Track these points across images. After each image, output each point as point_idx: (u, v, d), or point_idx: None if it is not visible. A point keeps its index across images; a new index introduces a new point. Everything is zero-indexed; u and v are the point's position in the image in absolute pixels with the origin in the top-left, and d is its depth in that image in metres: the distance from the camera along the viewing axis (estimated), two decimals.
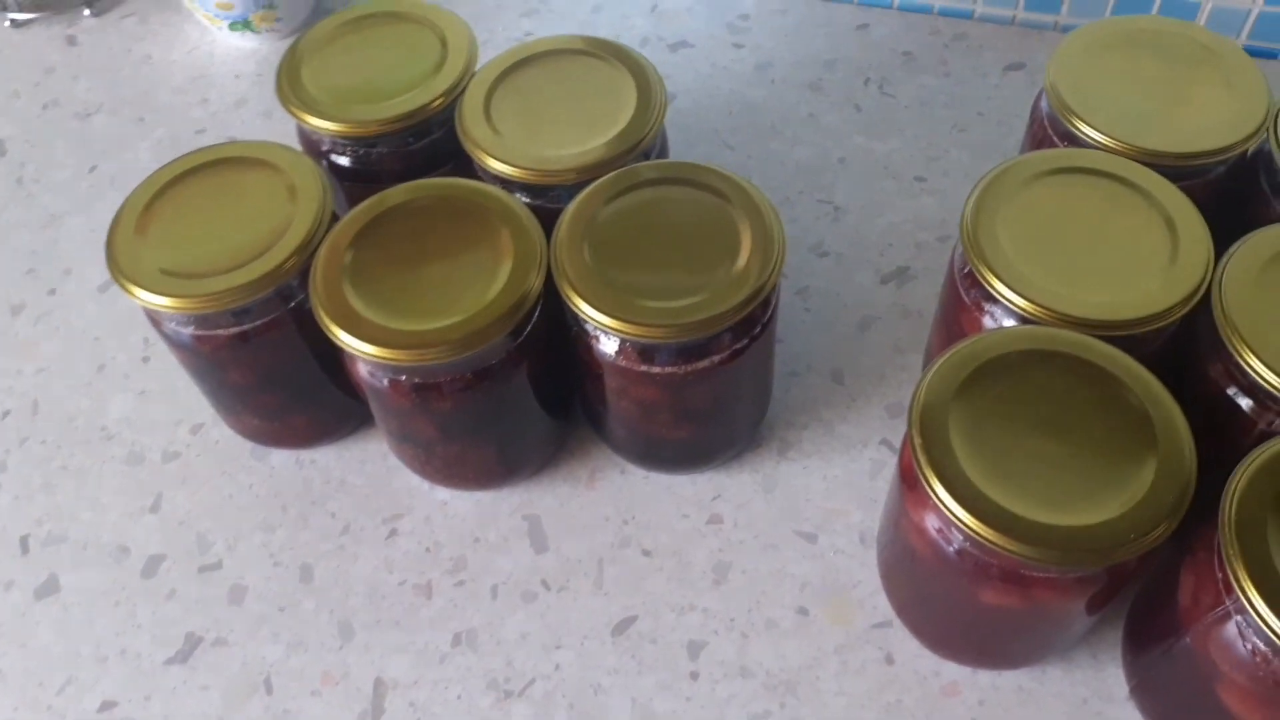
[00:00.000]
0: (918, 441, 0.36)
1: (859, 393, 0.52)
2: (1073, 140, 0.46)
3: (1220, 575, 0.34)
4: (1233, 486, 0.35)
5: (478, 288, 0.41)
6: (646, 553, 0.48)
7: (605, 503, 0.49)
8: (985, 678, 0.44)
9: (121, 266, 0.43)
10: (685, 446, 0.47)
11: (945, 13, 0.69)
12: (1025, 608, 0.37)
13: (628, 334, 0.40)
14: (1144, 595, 0.42)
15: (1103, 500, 0.35)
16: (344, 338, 0.40)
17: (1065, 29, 0.67)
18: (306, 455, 0.52)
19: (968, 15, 0.68)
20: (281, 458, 0.52)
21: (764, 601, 0.46)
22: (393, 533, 0.49)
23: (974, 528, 0.34)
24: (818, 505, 0.49)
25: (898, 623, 0.45)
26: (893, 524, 0.41)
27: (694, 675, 0.44)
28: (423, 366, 0.41)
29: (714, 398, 0.44)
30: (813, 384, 0.53)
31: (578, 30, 0.70)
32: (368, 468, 0.51)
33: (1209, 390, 0.40)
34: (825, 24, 0.69)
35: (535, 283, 0.41)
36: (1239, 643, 0.34)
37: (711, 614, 0.46)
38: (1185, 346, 0.41)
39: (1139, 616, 0.42)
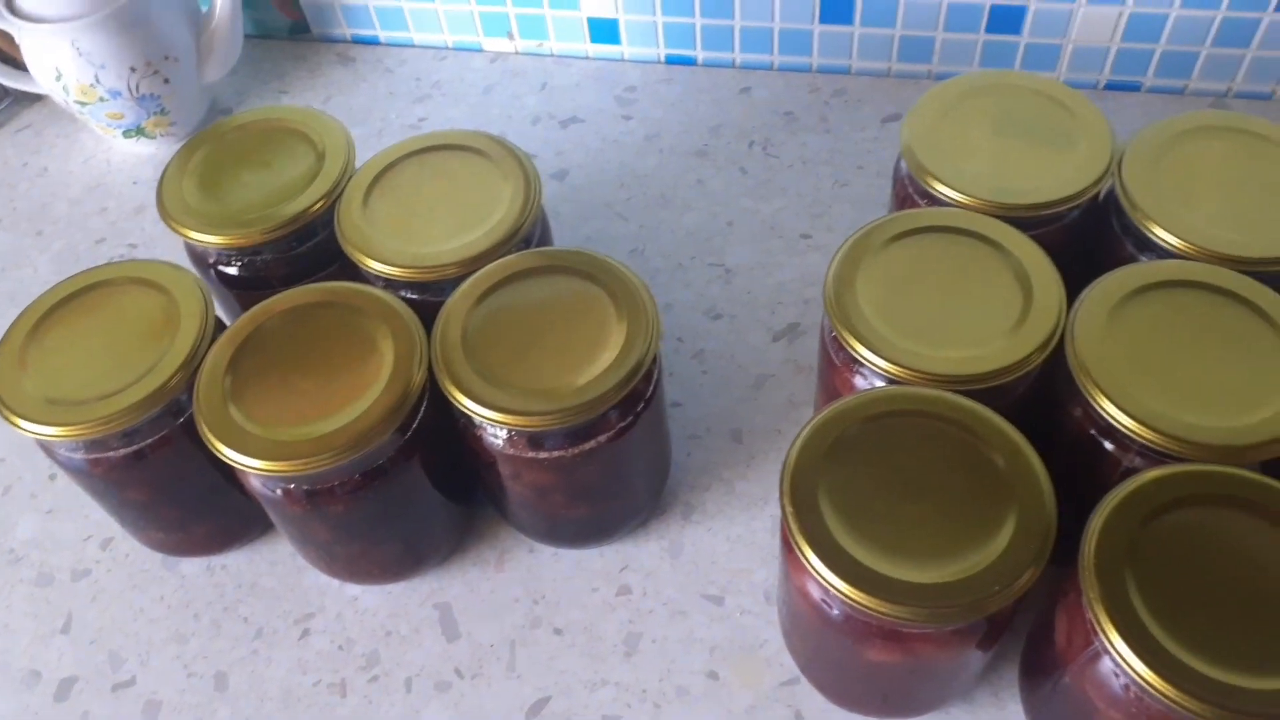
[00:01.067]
0: (789, 509, 0.37)
1: (757, 450, 0.53)
2: (930, 198, 0.48)
3: (1088, 617, 0.36)
4: (1090, 530, 0.36)
5: (360, 389, 0.42)
6: (558, 631, 0.48)
7: (515, 584, 0.50)
8: None
9: (5, 400, 0.43)
10: (586, 523, 0.48)
11: (824, 70, 0.71)
12: (911, 662, 0.38)
13: (510, 424, 0.41)
14: (1032, 635, 0.43)
15: (969, 553, 0.36)
16: (229, 454, 0.41)
17: (939, 77, 0.69)
18: (217, 561, 0.52)
19: (845, 70, 0.71)
20: (192, 566, 0.52)
21: (674, 669, 0.47)
22: (305, 633, 0.49)
23: (846, 592, 0.35)
24: (723, 567, 0.50)
25: (804, 680, 0.46)
26: (782, 586, 0.42)
27: None
28: (310, 475, 0.41)
29: (607, 475, 0.45)
30: (713, 445, 0.54)
31: (469, 112, 0.72)
32: (278, 569, 0.52)
33: (1072, 433, 0.41)
34: (709, 90, 0.71)
35: (416, 380, 0.42)
36: (1113, 680, 0.35)
37: (624, 687, 0.46)
38: (1048, 392, 0.43)
39: (1029, 656, 0.43)
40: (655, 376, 0.45)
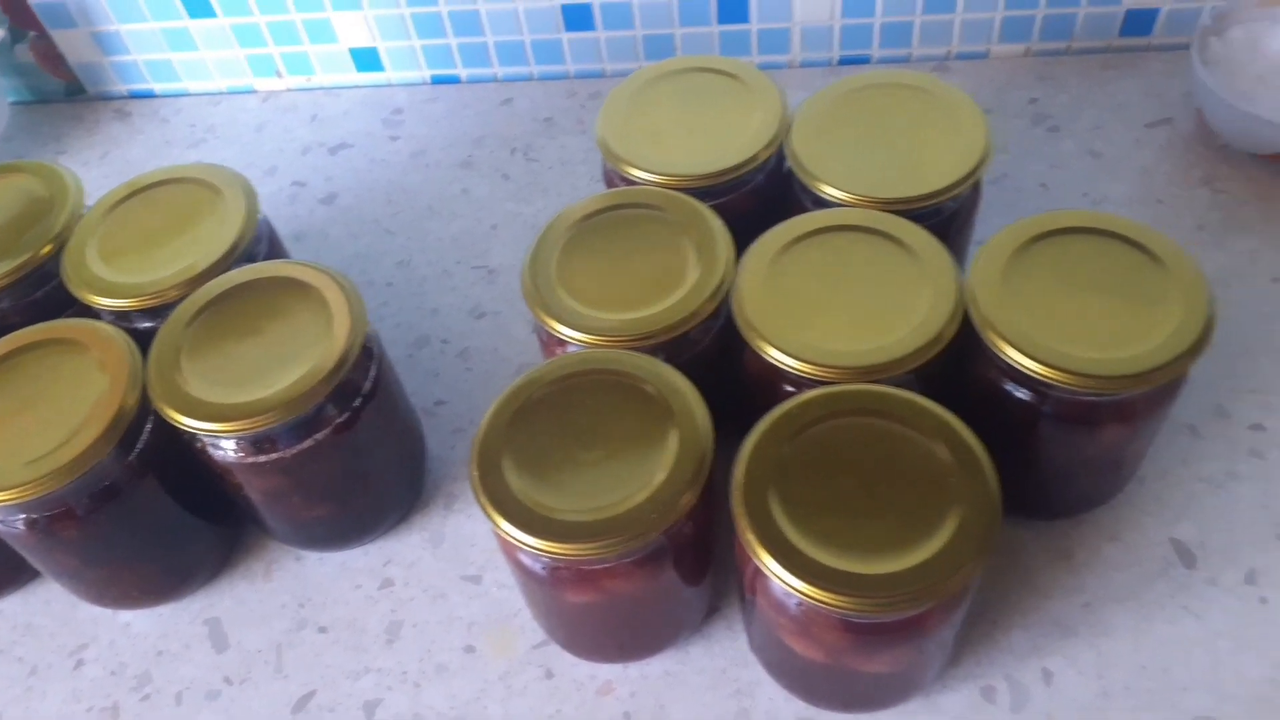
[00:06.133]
0: (474, 474, 0.40)
1: None
2: (626, 181, 0.51)
3: (739, 533, 0.39)
4: (740, 454, 0.39)
5: (78, 415, 0.44)
6: (322, 629, 0.50)
7: (283, 592, 0.52)
8: (635, 670, 0.47)
9: None
10: (336, 522, 0.50)
11: (580, 75, 0.75)
12: (608, 600, 0.41)
13: (221, 432, 0.43)
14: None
15: (632, 489, 0.39)
16: None
17: None
18: None
19: (599, 74, 0.74)
20: None
21: (434, 649, 0.49)
22: (79, 663, 0.50)
23: (520, 538, 0.38)
24: (481, 548, 0.52)
25: (552, 641, 0.48)
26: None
27: None
28: (36, 500, 0.43)
29: (340, 472, 0.47)
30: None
31: (242, 151, 0.74)
32: (52, 607, 0.53)
33: (745, 373, 0.45)
34: (473, 104, 0.74)
35: (131, 401, 0.44)
36: (776, 589, 0.39)
37: (385, 672, 0.48)
38: (723, 341, 0.46)
39: (737, 581, 0.46)
40: (372, 371, 0.47)
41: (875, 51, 0.72)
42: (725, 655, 0.47)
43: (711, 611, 0.48)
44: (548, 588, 0.41)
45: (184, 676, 0.49)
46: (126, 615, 0.52)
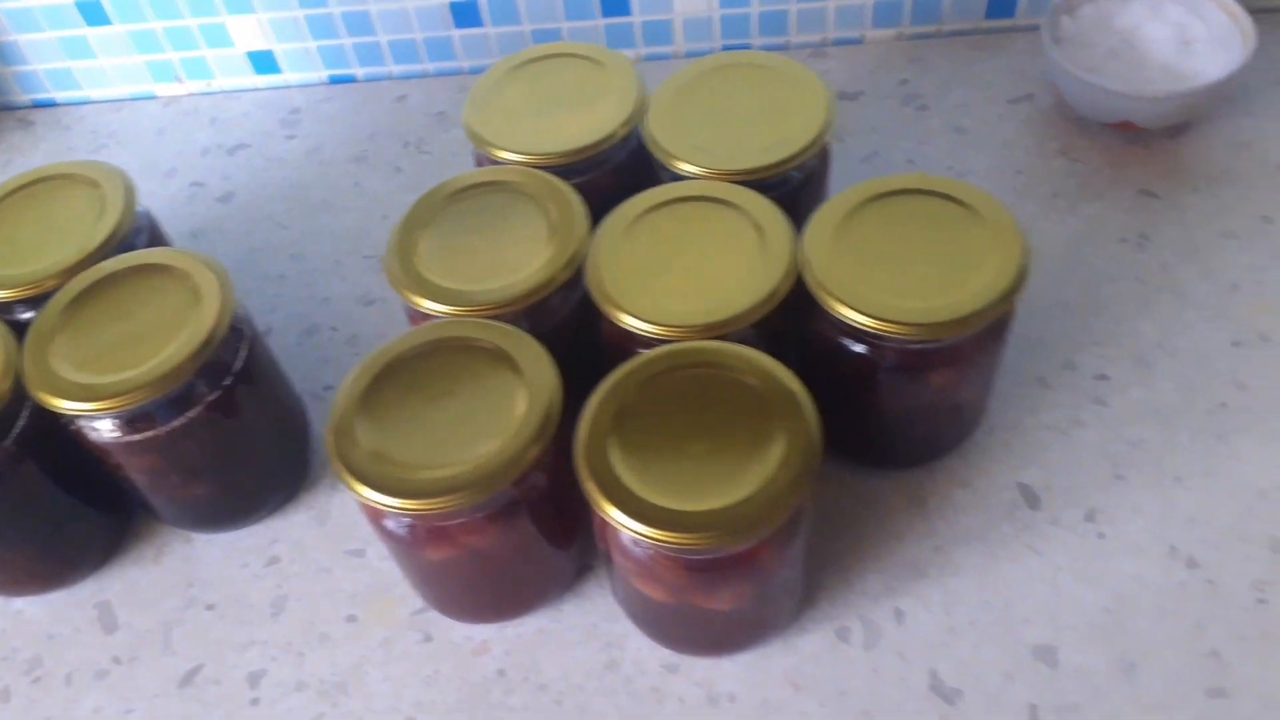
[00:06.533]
0: (330, 441, 0.42)
1: None
2: (494, 162, 0.53)
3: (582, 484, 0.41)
4: (584, 412, 0.41)
5: None
6: (210, 607, 0.52)
7: (173, 574, 0.53)
8: (510, 630, 0.49)
9: None
10: (217, 502, 0.52)
11: (474, 70, 0.77)
12: (468, 555, 0.43)
13: (89, 411, 0.45)
14: None
15: (482, 444, 0.41)
16: None
17: None
18: None
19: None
20: None
21: (317, 620, 0.51)
22: None
23: (370, 497, 0.40)
24: (365, 524, 0.54)
25: (432, 608, 0.50)
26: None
27: (255, 701, 0.48)
28: None
29: (216, 449, 0.49)
30: None
31: (142, 154, 0.75)
32: None
33: (605, 338, 0.47)
34: (369, 102, 0.76)
35: (3, 387, 0.45)
36: (619, 536, 0.41)
37: (270, 644, 0.50)
38: (579, 309, 0.48)
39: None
40: (243, 351, 0.49)
41: (755, 40, 0.75)
42: (596, 611, 0.49)
43: (584, 570, 0.50)
44: (409, 547, 0.43)
45: (74, 658, 0.51)
46: (19, 603, 0.53)
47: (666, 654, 0.47)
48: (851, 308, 0.43)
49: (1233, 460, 0.51)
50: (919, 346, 0.44)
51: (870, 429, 0.50)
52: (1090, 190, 0.63)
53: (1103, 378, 0.55)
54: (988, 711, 0.45)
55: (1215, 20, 0.64)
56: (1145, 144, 0.65)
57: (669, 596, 0.42)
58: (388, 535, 0.43)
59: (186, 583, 0.53)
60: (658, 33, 0.74)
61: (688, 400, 0.42)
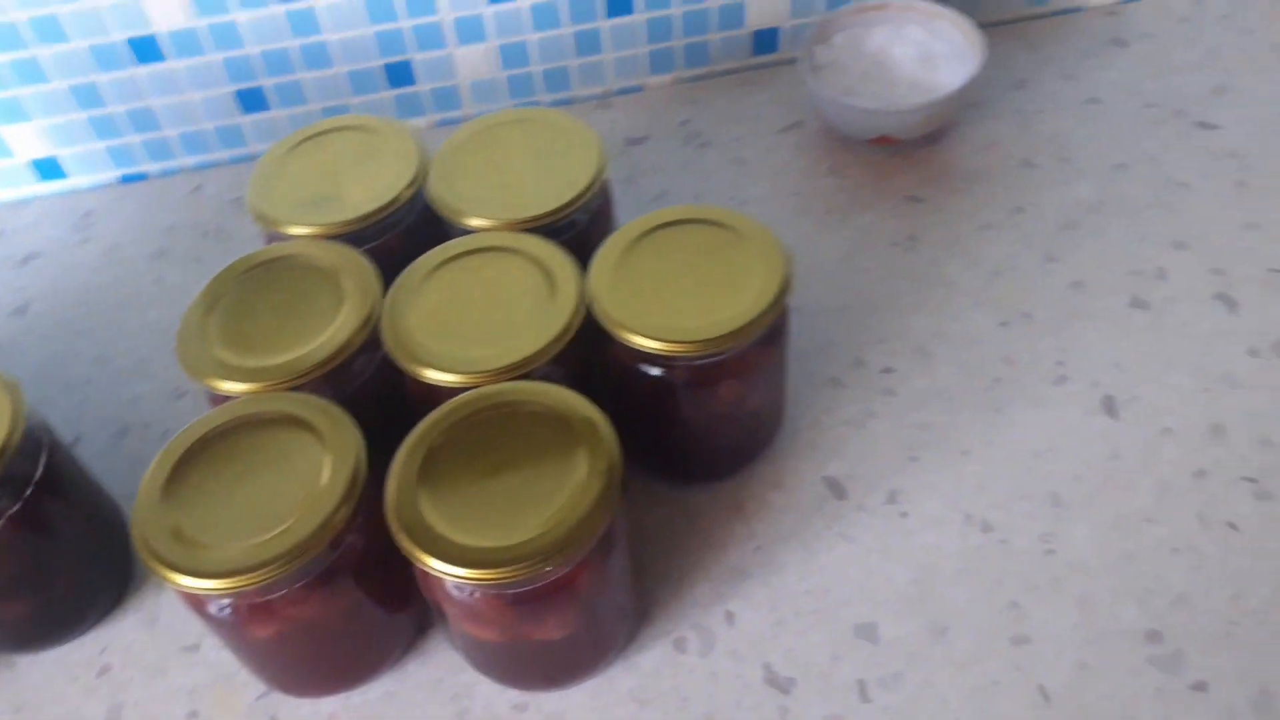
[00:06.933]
0: (135, 535, 0.42)
1: None
2: (278, 237, 0.54)
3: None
4: (393, 469, 0.43)
5: None
6: None
7: None
8: (357, 698, 0.49)
9: None
10: (38, 619, 0.50)
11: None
12: (291, 629, 0.43)
13: None
14: None
15: (286, 516, 0.41)
16: None
17: None
18: None
19: None
20: None
21: None
22: None
23: (180, 581, 0.40)
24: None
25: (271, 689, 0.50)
26: None
27: None
28: None
29: (27, 565, 0.48)
30: None
31: None
32: None
33: (409, 391, 0.48)
34: (163, 196, 0.75)
35: None
36: (440, 583, 0.42)
37: None
38: (383, 367, 0.49)
39: None
40: (43, 460, 0.48)
41: (542, 96, 0.78)
42: (441, 665, 0.50)
43: (425, 627, 0.51)
44: (236, 630, 0.43)
45: None
46: None
47: (514, 694, 0.48)
48: (638, 334, 0.46)
49: (1009, 428, 0.56)
50: (705, 361, 0.47)
51: (680, 446, 0.52)
52: (860, 202, 0.69)
53: (889, 370, 0.59)
54: (820, 693, 0.47)
55: (951, 37, 0.71)
56: (905, 154, 0.71)
57: (501, 635, 0.43)
58: (213, 622, 0.43)
59: (13, 709, 0.50)
60: (446, 99, 0.76)
61: (494, 441, 0.43)
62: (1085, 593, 0.49)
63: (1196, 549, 0.50)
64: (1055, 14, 0.79)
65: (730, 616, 0.50)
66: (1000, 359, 0.59)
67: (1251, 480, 0.52)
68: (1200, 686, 0.46)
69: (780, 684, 0.48)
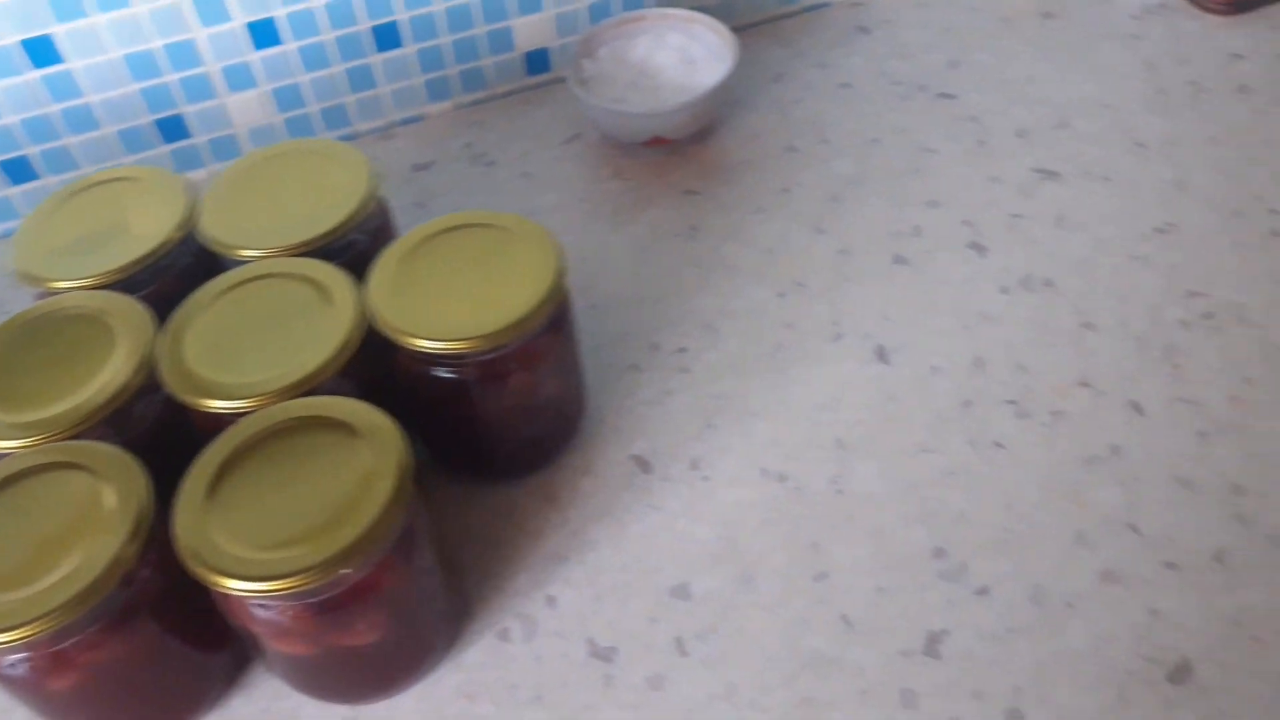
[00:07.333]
0: None
1: None
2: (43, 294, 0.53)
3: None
4: (178, 501, 0.42)
5: None
6: None
7: None
8: None
9: None
10: None
11: None
12: (100, 677, 0.42)
13: None
14: None
15: (73, 562, 0.41)
16: None
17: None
18: None
19: None
20: None
21: None
22: None
23: None
24: None
25: None
26: None
27: None
28: None
29: None
30: None
31: None
32: None
33: (174, 423, 0.48)
34: None
35: None
36: (241, 605, 0.42)
37: None
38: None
39: None
40: None
41: (324, 135, 0.78)
42: (264, 695, 0.49)
43: (244, 662, 0.50)
44: (34, 687, 0.42)
45: None
46: None
47: (341, 710, 0.48)
48: (421, 338, 0.47)
49: (794, 386, 0.60)
50: (491, 355, 0.49)
51: (485, 443, 0.53)
52: (644, 201, 0.72)
53: (682, 350, 0.62)
54: (641, 656, 0.49)
55: (708, 40, 0.76)
56: (680, 152, 0.75)
57: (312, 648, 0.43)
58: (9, 682, 0.42)
59: None
60: (225, 148, 0.76)
61: (281, 459, 0.43)
62: (876, 524, 0.53)
63: (969, 470, 0.55)
64: (805, 10, 0.85)
65: (551, 600, 0.52)
66: (781, 326, 0.63)
67: (1012, 402, 0.57)
68: (984, 591, 0.50)
69: (603, 654, 0.49)
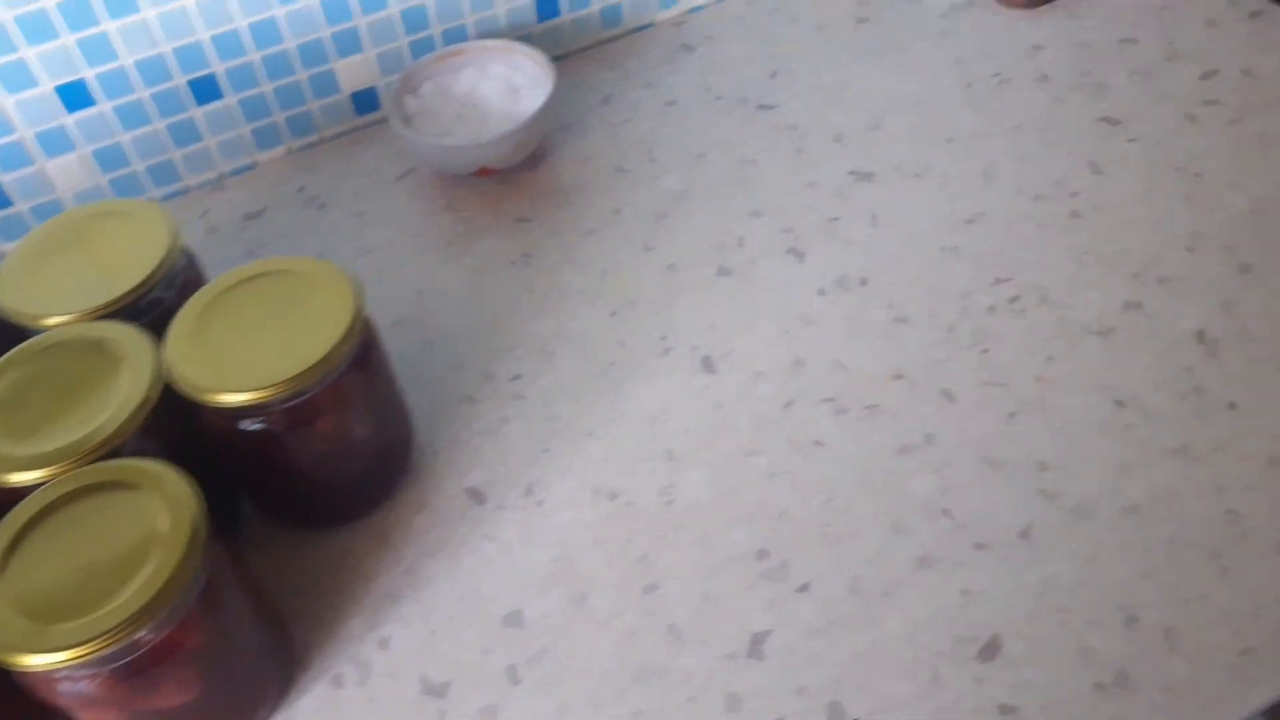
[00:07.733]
0: None
1: None
2: None
3: None
4: None
5: None
6: None
7: None
8: None
9: None
10: None
11: None
12: None
13: None
14: None
15: None
16: None
17: None
18: None
19: None
20: None
21: None
22: None
23: None
24: None
25: None
26: None
27: None
28: None
29: None
30: None
31: None
32: None
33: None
34: None
35: None
36: (49, 683, 0.41)
37: None
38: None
39: None
40: None
41: (154, 192, 0.77)
42: None
43: None
44: None
45: None
46: None
47: None
48: (219, 392, 0.47)
49: (626, 402, 0.61)
50: (295, 402, 0.49)
51: (307, 490, 0.53)
52: (477, 231, 0.72)
53: (517, 377, 0.63)
54: (474, 688, 0.50)
55: (527, 69, 0.77)
56: (511, 181, 0.76)
57: (123, 713, 0.43)
58: None
59: None
60: (51, 214, 0.74)
61: (74, 526, 0.43)
62: (703, 531, 0.54)
63: (790, 469, 0.56)
64: (630, 32, 0.87)
65: (384, 642, 0.52)
66: (614, 344, 0.64)
67: (830, 400, 0.59)
68: (804, 588, 0.52)
69: (436, 690, 0.50)
